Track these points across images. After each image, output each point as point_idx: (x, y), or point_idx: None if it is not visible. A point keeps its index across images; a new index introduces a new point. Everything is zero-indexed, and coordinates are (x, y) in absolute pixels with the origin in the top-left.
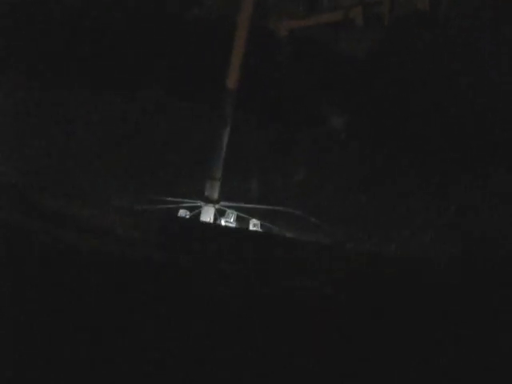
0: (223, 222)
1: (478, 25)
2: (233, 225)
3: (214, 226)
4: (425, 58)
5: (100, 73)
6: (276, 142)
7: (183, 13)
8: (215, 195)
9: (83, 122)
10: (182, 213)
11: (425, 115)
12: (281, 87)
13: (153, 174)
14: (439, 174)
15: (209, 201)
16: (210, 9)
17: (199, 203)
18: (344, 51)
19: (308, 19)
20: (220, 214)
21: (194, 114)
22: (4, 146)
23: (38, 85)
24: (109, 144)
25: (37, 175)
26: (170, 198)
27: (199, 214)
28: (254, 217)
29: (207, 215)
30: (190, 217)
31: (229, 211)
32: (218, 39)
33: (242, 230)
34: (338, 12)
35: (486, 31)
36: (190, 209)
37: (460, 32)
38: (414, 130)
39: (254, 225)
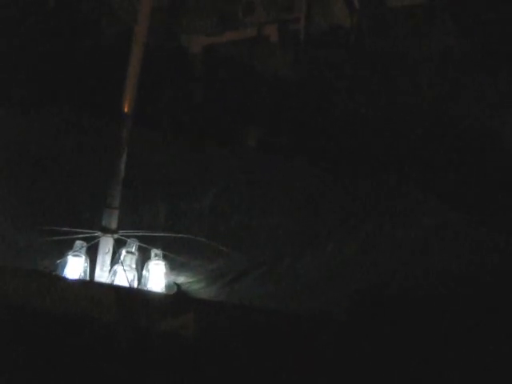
0: (124, 253)
1: (395, 37)
2: (135, 255)
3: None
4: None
5: None
6: (184, 164)
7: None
8: (113, 224)
9: None
10: (79, 244)
11: (345, 132)
12: (192, 105)
13: (48, 203)
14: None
15: (107, 231)
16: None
17: (97, 233)
18: (260, 68)
19: (222, 36)
20: (119, 244)
21: (91, 140)
22: None
23: None
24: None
25: None
26: (65, 229)
27: (97, 244)
28: (156, 246)
29: (106, 246)
30: (87, 248)
31: (129, 241)
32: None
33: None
34: (253, 29)
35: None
36: (88, 239)
37: (376, 47)
38: (334, 145)
39: (155, 254)
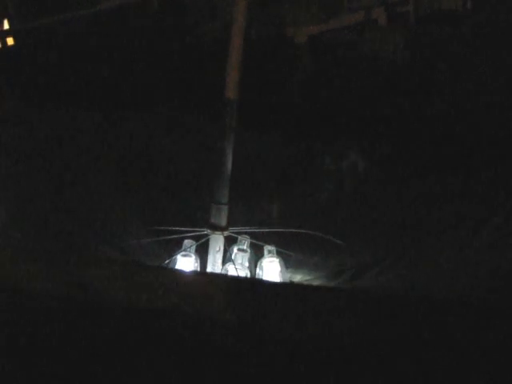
0: (235, 250)
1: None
2: (247, 252)
3: None
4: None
5: (90, 94)
6: (292, 159)
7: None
8: (223, 221)
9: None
10: (188, 243)
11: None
12: (299, 97)
13: (156, 202)
14: None
15: (216, 228)
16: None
17: (206, 231)
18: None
19: (328, 23)
20: (230, 241)
21: (194, 133)
22: None
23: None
24: (104, 171)
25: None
26: (173, 228)
27: (207, 243)
28: (268, 242)
29: (216, 244)
30: (197, 247)
31: (241, 238)
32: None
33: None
34: (360, 13)
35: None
36: (197, 238)
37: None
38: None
39: (269, 251)
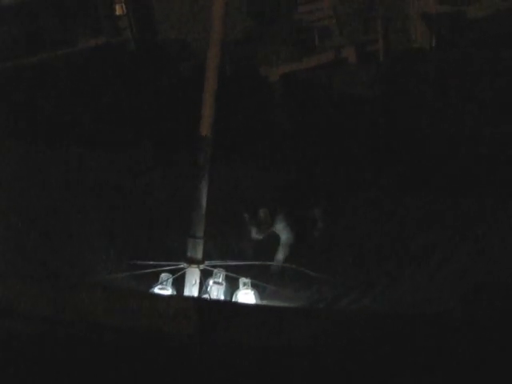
0: (211, 283)
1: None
2: (222, 285)
3: None
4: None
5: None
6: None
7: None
8: (199, 255)
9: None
10: (165, 277)
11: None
12: (272, 131)
13: (130, 235)
14: None
15: (193, 262)
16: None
17: (182, 265)
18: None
19: (300, 62)
20: (206, 274)
21: (169, 169)
22: None
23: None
24: (81, 205)
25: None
26: (150, 262)
27: (183, 276)
28: (243, 275)
29: (192, 277)
30: (173, 280)
31: (216, 271)
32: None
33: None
34: (330, 52)
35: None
36: (173, 272)
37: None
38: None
39: (244, 283)
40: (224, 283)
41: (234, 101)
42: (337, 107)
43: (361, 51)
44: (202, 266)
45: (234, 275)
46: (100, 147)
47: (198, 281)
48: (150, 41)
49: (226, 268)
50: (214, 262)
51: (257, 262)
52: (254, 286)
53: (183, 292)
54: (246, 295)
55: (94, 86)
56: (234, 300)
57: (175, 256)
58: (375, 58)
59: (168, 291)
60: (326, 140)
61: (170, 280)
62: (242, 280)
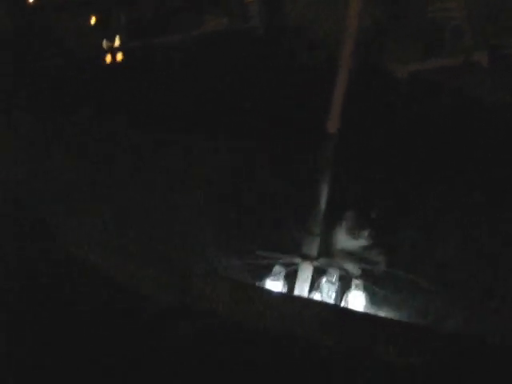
0: (324, 281)
1: None
2: (335, 284)
3: None
4: None
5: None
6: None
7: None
8: (314, 251)
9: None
10: (277, 269)
11: None
12: (393, 132)
13: (248, 227)
14: None
15: (307, 257)
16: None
17: (296, 260)
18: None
19: (428, 62)
20: (319, 272)
21: (290, 163)
22: None
23: None
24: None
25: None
26: (265, 253)
27: (295, 271)
28: (356, 276)
29: (305, 273)
30: (286, 274)
31: (331, 270)
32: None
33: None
34: (461, 54)
35: None
36: (286, 265)
37: None
38: None
39: (356, 285)
40: (337, 283)
41: (361, 98)
42: (465, 113)
43: (494, 55)
44: (315, 263)
45: (348, 275)
46: (215, 135)
47: (310, 277)
48: (278, 28)
49: (340, 268)
50: (328, 260)
51: (371, 267)
52: (365, 289)
53: (294, 287)
54: (357, 297)
55: (217, 70)
56: (343, 300)
57: (287, 250)
58: (509, 63)
59: (279, 283)
60: (449, 148)
61: (283, 273)
62: (355, 282)
